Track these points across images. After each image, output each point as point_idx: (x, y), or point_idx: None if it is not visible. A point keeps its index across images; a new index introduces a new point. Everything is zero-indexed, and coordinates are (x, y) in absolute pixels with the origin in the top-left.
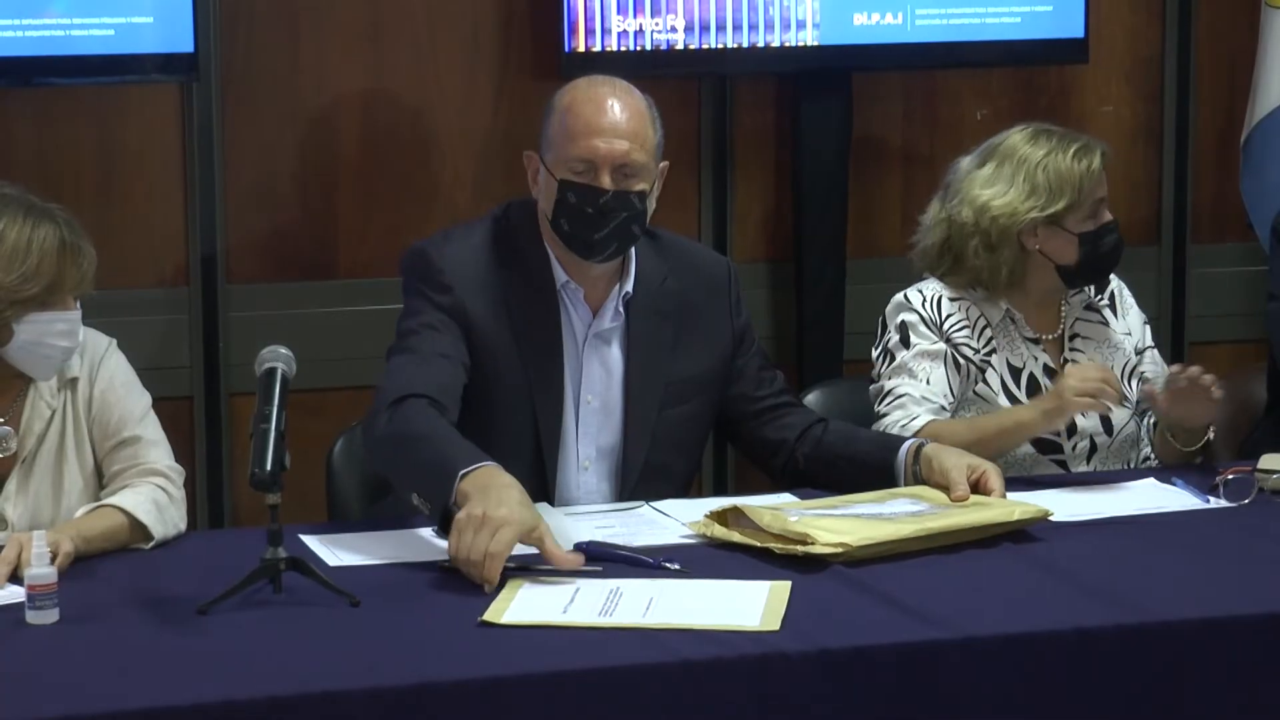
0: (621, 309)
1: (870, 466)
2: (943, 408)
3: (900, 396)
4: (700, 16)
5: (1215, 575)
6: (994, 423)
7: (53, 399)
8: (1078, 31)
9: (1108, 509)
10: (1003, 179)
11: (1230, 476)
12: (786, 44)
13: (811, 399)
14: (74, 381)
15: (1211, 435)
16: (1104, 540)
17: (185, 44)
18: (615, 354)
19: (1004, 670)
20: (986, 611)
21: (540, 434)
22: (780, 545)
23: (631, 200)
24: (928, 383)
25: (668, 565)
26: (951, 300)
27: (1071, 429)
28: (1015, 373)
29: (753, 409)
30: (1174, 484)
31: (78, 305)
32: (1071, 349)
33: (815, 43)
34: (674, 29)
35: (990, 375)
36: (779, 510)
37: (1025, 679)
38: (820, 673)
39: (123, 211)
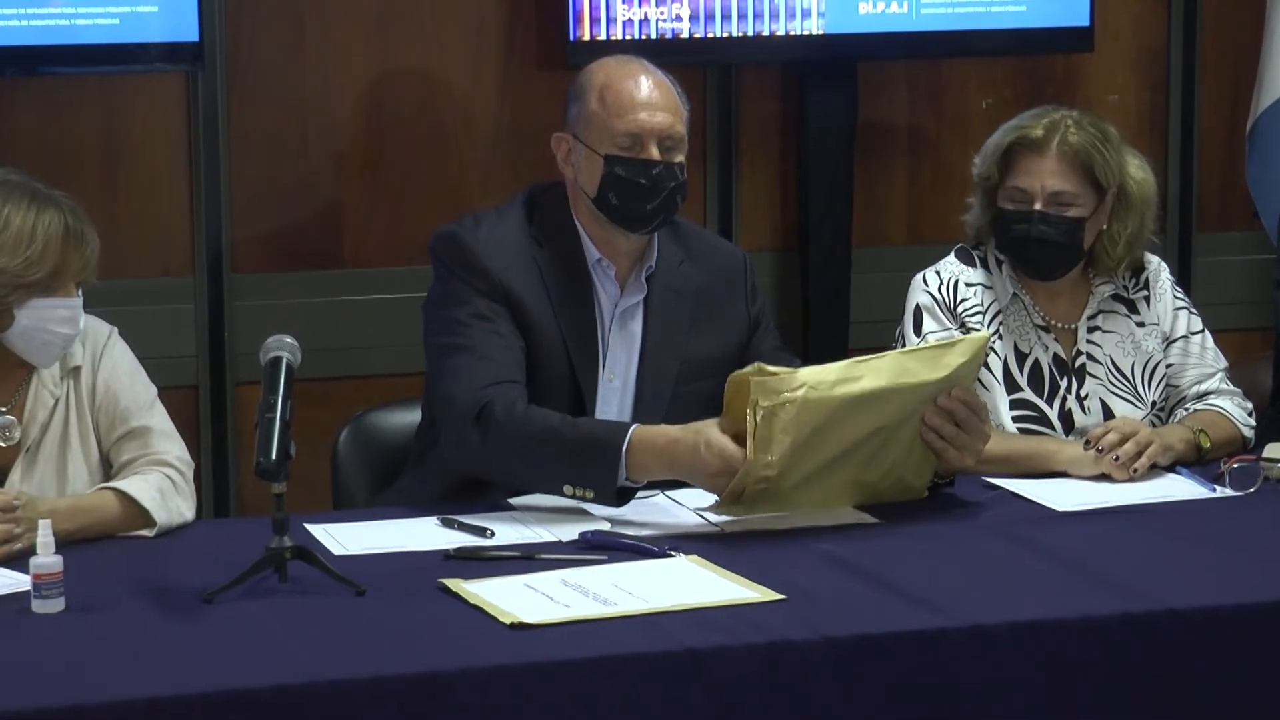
0: (644, 282)
1: None
2: None
3: None
4: (705, 5)
5: (1221, 564)
6: (1027, 447)
7: (56, 388)
8: (1083, 20)
9: (1113, 498)
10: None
11: (1235, 465)
12: (792, 33)
13: None
14: (76, 370)
15: (1205, 447)
16: (1109, 529)
17: (190, 33)
18: (636, 330)
19: (1010, 658)
20: (992, 600)
21: (581, 410)
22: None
23: (676, 171)
24: None
25: (672, 553)
26: (969, 285)
27: (1069, 426)
28: (1021, 358)
29: None
30: (1179, 473)
31: (79, 292)
32: (1089, 341)
33: (820, 31)
34: (679, 18)
35: (992, 360)
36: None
37: (1031, 667)
38: (826, 661)
39: (128, 201)
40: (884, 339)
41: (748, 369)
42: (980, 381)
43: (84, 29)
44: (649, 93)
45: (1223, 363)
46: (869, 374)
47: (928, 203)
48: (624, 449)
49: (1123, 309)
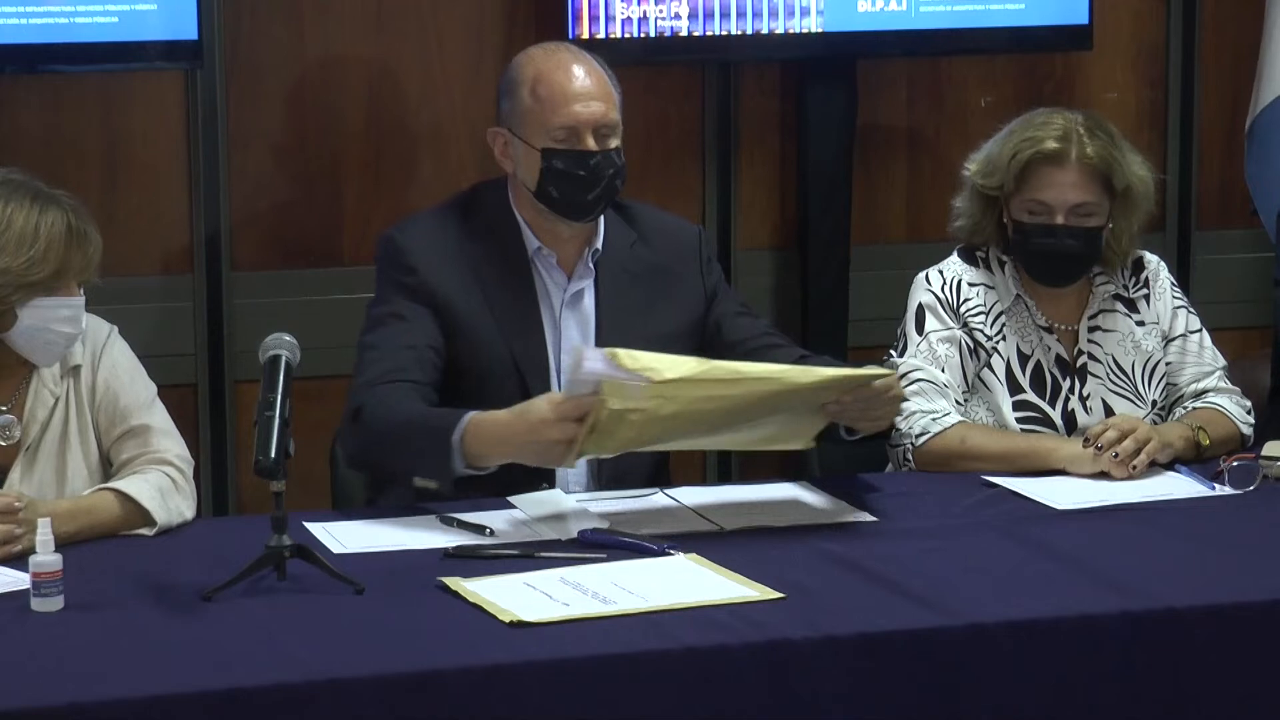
0: (591, 265)
1: None
2: (958, 400)
3: (917, 380)
4: (704, 4)
5: (1220, 562)
6: (1025, 445)
7: (55, 387)
8: (1082, 18)
9: (1112, 497)
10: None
11: (1235, 464)
12: (791, 31)
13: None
14: (76, 369)
15: (1204, 445)
16: (1108, 527)
17: (189, 31)
18: (589, 314)
19: (1009, 657)
20: (992, 598)
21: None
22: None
23: (613, 158)
24: (943, 370)
25: (671, 552)
26: (971, 285)
27: (1071, 426)
28: (1023, 359)
29: (739, 354)
30: (1179, 471)
31: (81, 292)
32: (1090, 341)
33: (820, 29)
34: (678, 16)
35: (995, 361)
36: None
37: (1030, 665)
38: (826, 659)
39: (127, 199)
40: (883, 336)
41: (611, 349)
42: (983, 382)
43: (83, 27)
44: (581, 83)
45: (1221, 361)
46: (732, 380)
47: (927, 201)
48: (456, 439)
49: (1123, 308)
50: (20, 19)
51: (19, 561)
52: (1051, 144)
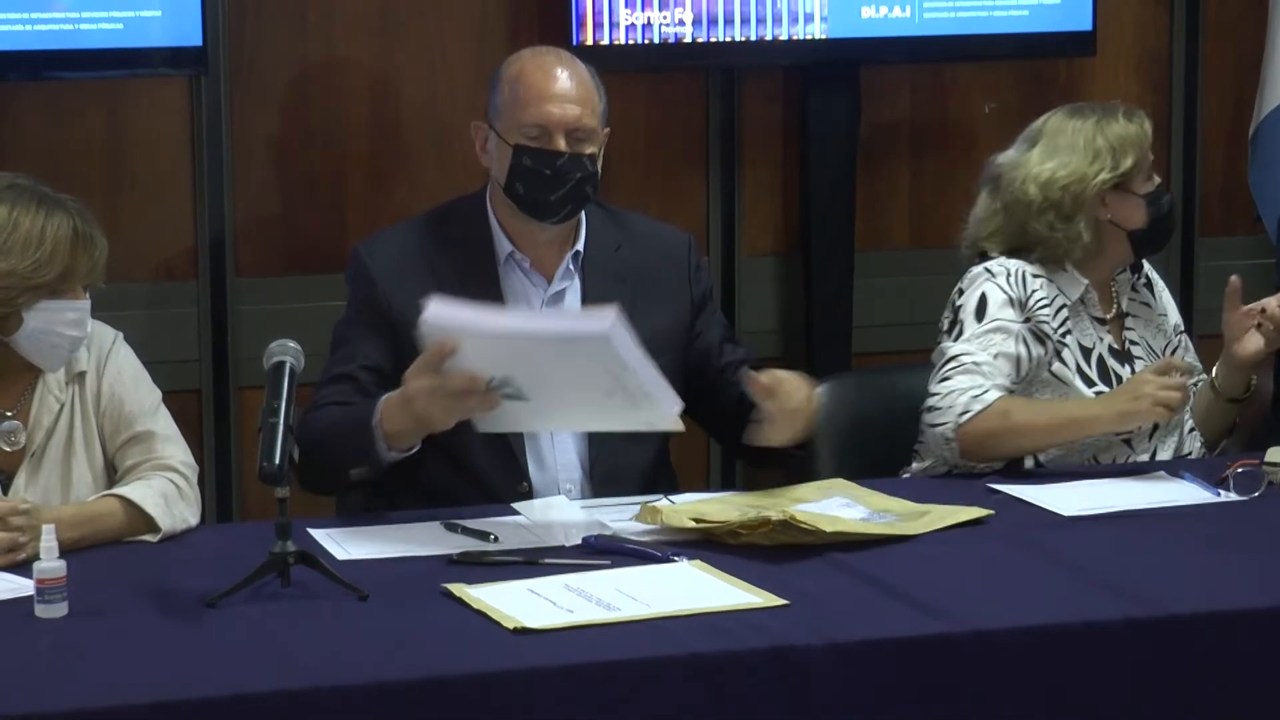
0: (572, 267)
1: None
2: (1007, 388)
3: (966, 363)
4: (708, 10)
5: (1225, 568)
6: (1067, 412)
7: (61, 393)
8: (1085, 24)
9: (1117, 502)
10: (1060, 151)
11: (1239, 470)
12: (794, 37)
13: (819, 393)
14: (81, 375)
15: (1253, 382)
16: (1113, 534)
17: (194, 37)
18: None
19: (1014, 663)
20: (995, 605)
21: None
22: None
23: (584, 162)
24: (994, 358)
25: (675, 559)
26: (1035, 278)
27: None
28: (1086, 354)
29: (711, 375)
30: (1183, 477)
31: (87, 296)
32: (1126, 329)
33: (823, 36)
34: (682, 22)
35: (1066, 355)
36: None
37: (1035, 672)
38: (830, 666)
39: (131, 205)
40: (887, 343)
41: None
42: (1056, 377)
43: (88, 33)
44: (560, 84)
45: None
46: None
47: (930, 207)
48: (375, 422)
49: (1140, 297)
50: (25, 25)
51: (23, 568)
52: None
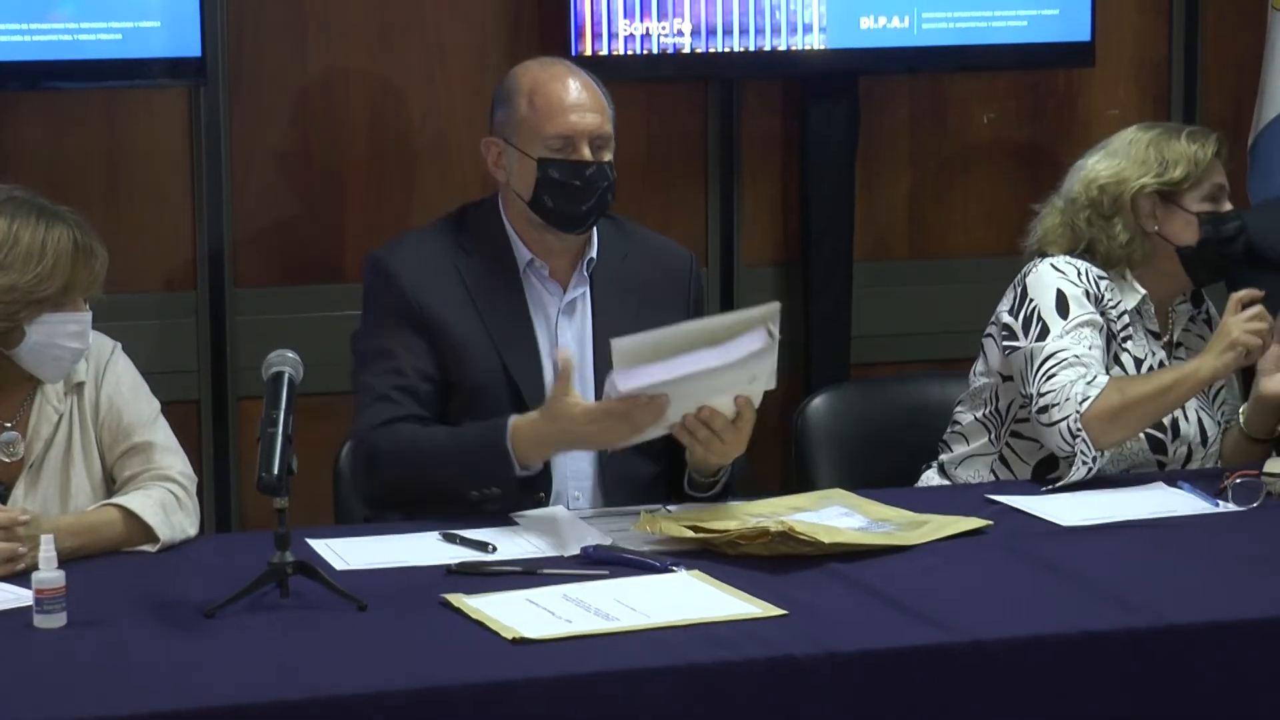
0: (586, 274)
1: None
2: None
3: (1067, 357)
4: (707, 20)
5: (1223, 579)
6: (1170, 374)
7: (59, 403)
8: (1084, 35)
9: (1116, 513)
10: (1115, 155)
11: (1238, 480)
12: (793, 48)
13: (819, 403)
14: (80, 386)
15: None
16: (1112, 544)
17: (193, 48)
18: (585, 322)
19: (1012, 674)
20: (994, 615)
21: (522, 406)
22: (746, 539)
23: (606, 170)
24: (1089, 349)
25: (674, 569)
26: (1100, 279)
27: (1175, 433)
28: (1138, 364)
29: None
30: (1182, 488)
31: (88, 308)
32: (1175, 358)
33: (822, 46)
34: (681, 33)
35: (1125, 359)
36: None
37: (1033, 683)
38: (828, 676)
39: (130, 215)
40: (886, 353)
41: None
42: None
43: (87, 44)
44: (577, 94)
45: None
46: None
47: (929, 217)
48: (508, 443)
49: (1196, 329)
50: (24, 36)
51: (22, 578)
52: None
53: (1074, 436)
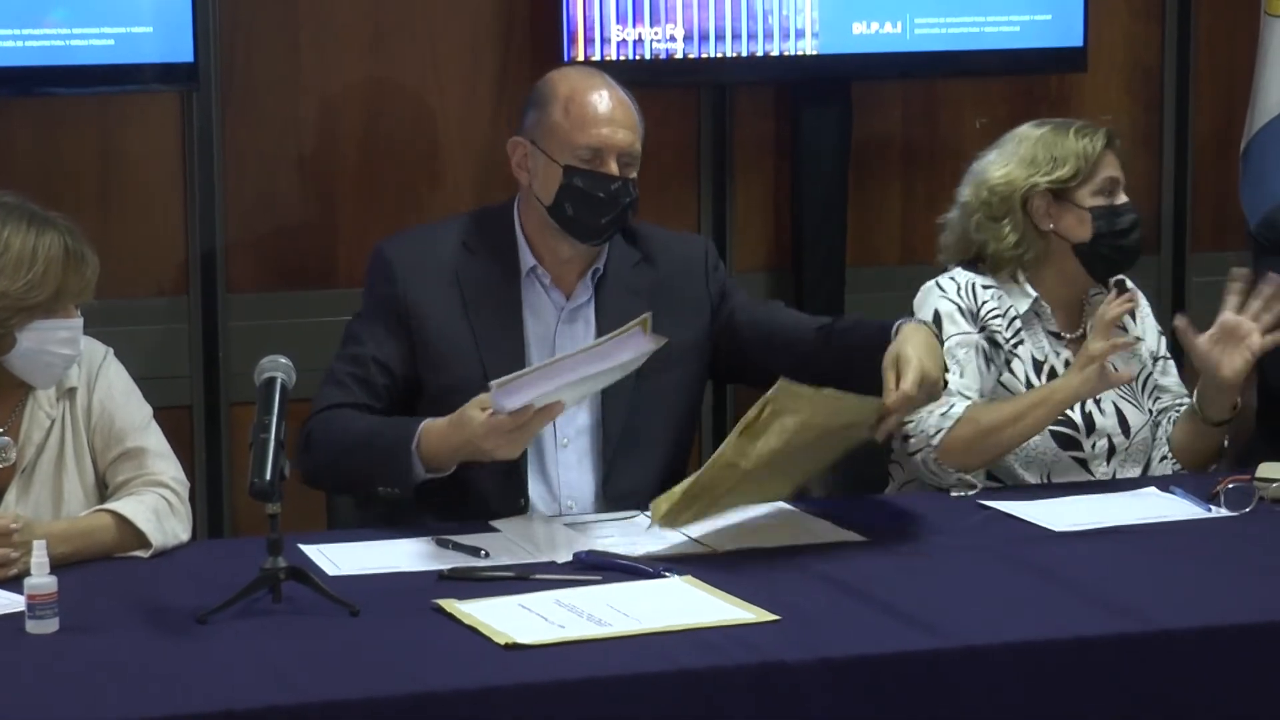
0: (591, 284)
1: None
2: (973, 400)
3: None
4: (700, 26)
5: (1216, 584)
6: (1030, 397)
7: (51, 409)
8: (1077, 40)
9: (1108, 518)
10: (1006, 156)
11: (1230, 485)
12: (786, 53)
13: None
14: (72, 391)
15: (1239, 402)
16: (1104, 549)
17: (185, 53)
18: (589, 331)
19: (1004, 679)
20: (986, 620)
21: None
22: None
23: (630, 187)
24: (961, 375)
25: (666, 574)
26: (985, 288)
27: (1090, 427)
28: (1038, 365)
29: (758, 331)
30: (1174, 493)
31: (79, 314)
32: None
33: (815, 52)
34: (673, 38)
35: (1016, 365)
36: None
37: (1025, 688)
38: (821, 681)
39: (123, 220)
40: None
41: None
42: (1005, 387)
43: (79, 50)
44: (612, 109)
45: (1185, 390)
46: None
47: (922, 222)
48: (414, 444)
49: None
50: (15, 41)
51: (14, 583)
52: (1093, 130)
53: (932, 468)
